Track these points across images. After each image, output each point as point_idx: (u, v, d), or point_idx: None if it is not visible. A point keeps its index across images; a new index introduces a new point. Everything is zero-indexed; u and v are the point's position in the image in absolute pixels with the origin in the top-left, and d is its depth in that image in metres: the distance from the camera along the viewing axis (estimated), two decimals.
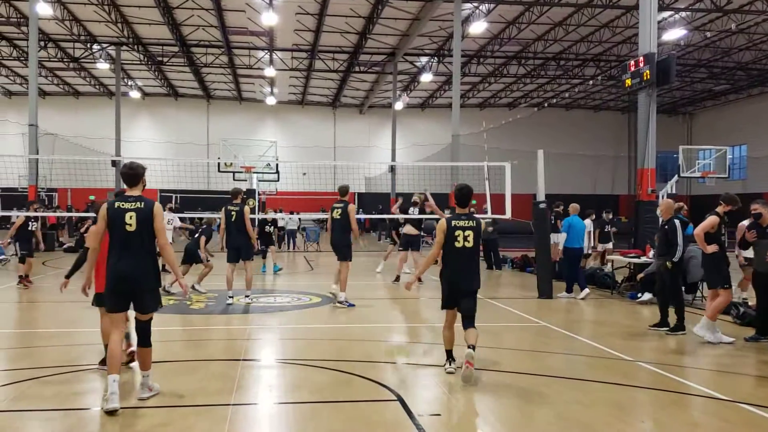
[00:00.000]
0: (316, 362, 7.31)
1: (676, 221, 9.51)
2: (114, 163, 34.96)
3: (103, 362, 6.56)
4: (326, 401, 5.91)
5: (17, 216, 15.48)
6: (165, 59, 35.29)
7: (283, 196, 32.92)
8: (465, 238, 6.65)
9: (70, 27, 30.15)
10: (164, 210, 15.50)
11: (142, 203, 5.66)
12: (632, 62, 15.73)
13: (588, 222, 16.59)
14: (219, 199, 37.69)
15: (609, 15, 27.99)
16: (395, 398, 5.97)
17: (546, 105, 44.66)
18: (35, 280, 14.61)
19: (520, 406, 5.92)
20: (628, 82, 15.93)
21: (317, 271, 18.36)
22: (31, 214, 15.13)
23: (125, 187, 5.98)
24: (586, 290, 12.86)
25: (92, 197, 28.44)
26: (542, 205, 13.28)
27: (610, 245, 16.78)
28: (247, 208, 11.74)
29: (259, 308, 11.37)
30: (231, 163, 29.23)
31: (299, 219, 27.89)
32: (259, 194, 27.94)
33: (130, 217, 5.58)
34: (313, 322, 10.27)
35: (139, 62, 35.94)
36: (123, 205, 5.64)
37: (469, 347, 6.42)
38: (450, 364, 6.83)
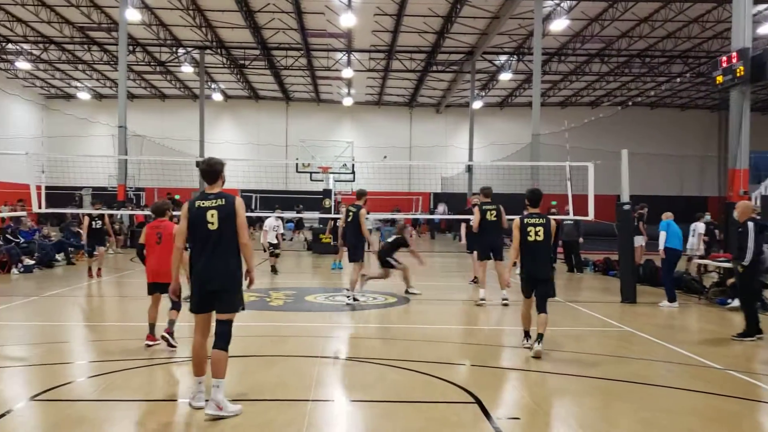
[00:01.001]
0: (393, 361, 7.28)
1: (750, 224, 9.10)
2: (198, 164, 36.20)
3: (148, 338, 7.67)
4: (403, 401, 5.87)
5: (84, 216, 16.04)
6: (247, 62, 36.20)
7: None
8: (536, 233, 7.78)
9: (157, 32, 31.36)
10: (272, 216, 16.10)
11: (223, 200, 5.47)
12: (724, 58, 14.99)
13: (701, 225, 15.96)
14: (295, 200, 38.47)
15: (699, 9, 26.81)
16: (473, 400, 5.87)
17: (630, 103, 43.23)
18: (124, 276, 15.26)
19: (602, 411, 5.71)
20: (720, 79, 15.19)
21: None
22: (94, 212, 15.80)
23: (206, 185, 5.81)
24: (675, 304, 12.16)
25: (177, 196, 29.45)
26: (626, 207, 12.82)
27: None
28: (363, 211, 11.90)
29: (335, 307, 11.47)
30: (308, 164, 29.73)
31: (372, 219, 28.03)
32: (335, 194, 28.29)
33: (212, 215, 5.40)
34: (388, 321, 10.27)
35: (221, 65, 37.01)
36: (204, 203, 5.47)
37: (539, 335, 7.50)
38: (527, 341, 7.90)
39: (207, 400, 5.34)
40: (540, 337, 7.46)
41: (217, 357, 5.35)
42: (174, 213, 8.38)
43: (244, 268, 5.57)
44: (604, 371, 7.09)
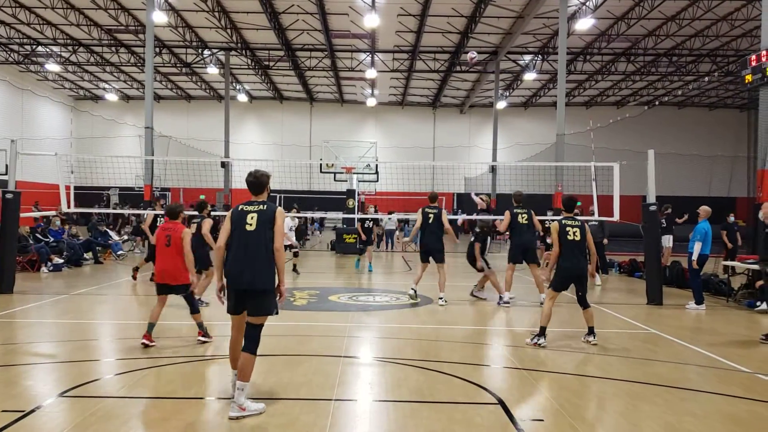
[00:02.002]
0: (416, 362, 7.29)
1: None
2: (223, 164, 36.55)
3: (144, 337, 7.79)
4: (426, 401, 5.87)
5: (146, 214, 15.41)
6: (271, 63, 36.43)
7: (382, 196, 33.24)
8: (574, 234, 8.60)
9: (183, 33, 31.69)
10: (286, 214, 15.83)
11: (265, 206, 5.74)
12: (754, 57, 14.77)
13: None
14: (318, 200, 38.67)
15: (727, 7, 26.44)
16: (496, 401, 5.86)
17: (657, 103, 42.73)
18: (150, 274, 15.43)
19: (627, 414, 5.66)
20: (749, 77, 14.97)
21: (415, 271, 18.34)
22: (159, 212, 14.75)
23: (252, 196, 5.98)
24: (699, 306, 11.99)
25: (202, 196, 29.73)
26: (653, 207, 12.68)
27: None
28: (444, 212, 12.12)
29: (359, 307, 11.51)
30: (332, 164, 29.86)
31: (397, 219, 28.04)
32: (358, 194, 28.36)
33: (251, 218, 5.65)
34: (411, 322, 10.27)
35: (246, 67, 37.29)
36: (246, 207, 5.75)
37: (590, 329, 8.53)
38: (542, 339, 8.33)
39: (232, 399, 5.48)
40: (592, 329, 8.49)
41: (244, 360, 5.46)
42: (189, 213, 8.56)
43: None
44: (630, 374, 7.03)
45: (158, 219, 14.31)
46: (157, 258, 8.14)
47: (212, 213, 11.93)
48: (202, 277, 10.82)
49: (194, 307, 8.10)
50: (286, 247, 14.63)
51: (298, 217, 17.23)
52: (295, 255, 16.77)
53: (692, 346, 8.50)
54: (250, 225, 5.63)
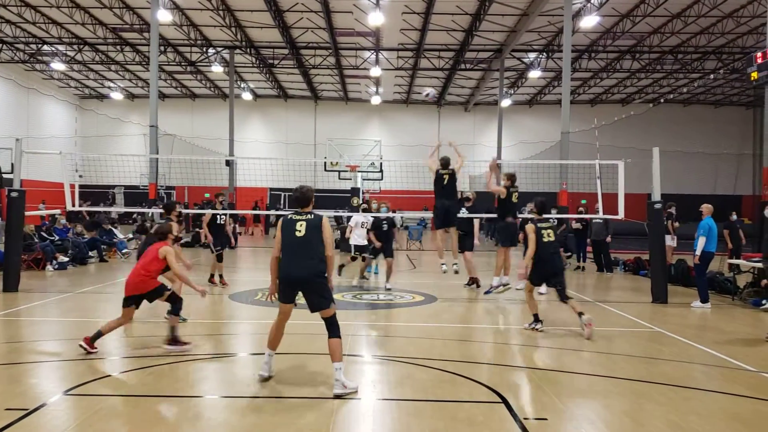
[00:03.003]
0: (419, 360, 7.29)
1: None
2: (228, 163, 36.58)
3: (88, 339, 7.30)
4: (429, 400, 5.87)
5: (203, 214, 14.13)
6: (276, 62, 36.44)
7: (387, 194, 33.20)
8: (548, 235, 9.22)
9: (188, 32, 31.73)
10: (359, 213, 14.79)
11: (312, 215, 6.33)
12: (759, 54, 14.73)
13: None
14: (323, 198, 38.61)
15: (733, 4, 26.33)
16: (500, 400, 5.85)
17: (662, 101, 42.62)
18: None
19: (631, 413, 5.64)
20: (755, 75, 14.93)
21: (420, 269, 18.37)
22: (219, 211, 13.47)
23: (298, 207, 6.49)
24: (705, 305, 11.98)
25: (207, 194, 29.81)
26: (657, 206, 12.64)
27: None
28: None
29: (363, 305, 11.51)
30: (336, 162, 29.89)
31: (401, 218, 28.04)
32: (363, 193, 28.36)
33: (300, 225, 6.23)
34: (415, 320, 10.26)
35: (251, 65, 37.30)
36: (295, 216, 6.33)
37: (579, 314, 8.73)
38: (538, 324, 9.15)
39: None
40: (582, 314, 8.77)
41: (333, 344, 6.12)
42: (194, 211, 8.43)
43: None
44: (634, 372, 7.01)
45: (218, 218, 13.24)
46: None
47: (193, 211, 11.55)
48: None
49: (176, 309, 7.77)
50: (359, 247, 14.10)
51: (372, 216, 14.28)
52: (353, 259, 14.78)
53: (697, 345, 8.48)
54: (299, 231, 6.22)
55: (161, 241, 7.85)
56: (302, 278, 6.12)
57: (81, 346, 7.25)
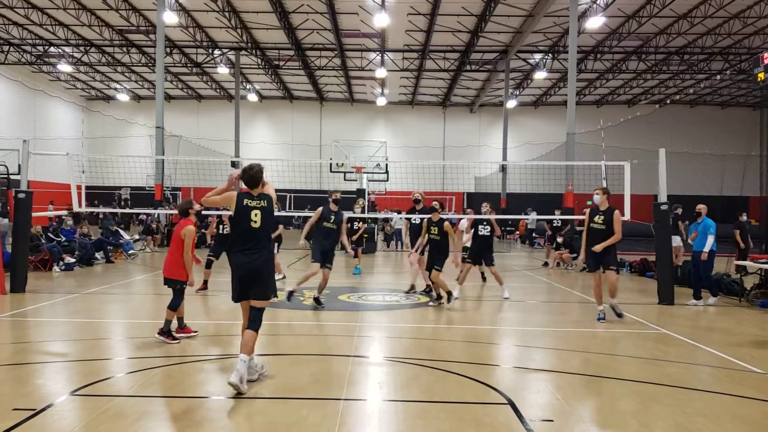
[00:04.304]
0: (425, 361, 7.28)
1: None
2: (233, 164, 36.62)
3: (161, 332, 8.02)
4: (436, 401, 5.86)
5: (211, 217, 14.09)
6: (281, 63, 36.51)
7: (393, 195, 33.23)
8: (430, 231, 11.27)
9: (194, 34, 31.82)
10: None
11: (265, 201, 6.20)
12: (766, 54, 14.62)
13: None
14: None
15: (740, 5, 26.28)
16: (506, 401, 5.84)
17: (668, 102, 42.52)
18: (161, 273, 15.46)
19: (637, 415, 5.62)
20: (761, 76, 14.79)
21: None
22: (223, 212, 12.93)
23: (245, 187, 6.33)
24: (716, 298, 12.23)
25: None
26: (664, 207, 12.62)
27: None
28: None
29: (368, 306, 11.51)
30: (342, 164, 29.90)
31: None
32: (368, 194, 28.35)
33: (256, 215, 6.11)
34: (421, 321, 10.25)
35: (256, 66, 37.40)
36: (250, 202, 6.16)
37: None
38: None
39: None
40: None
41: (248, 335, 6.08)
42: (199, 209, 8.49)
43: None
44: (640, 374, 6.99)
45: (221, 228, 13.05)
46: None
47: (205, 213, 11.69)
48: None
49: (174, 303, 8.18)
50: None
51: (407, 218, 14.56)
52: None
53: (704, 347, 8.45)
54: (255, 222, 6.12)
55: (184, 219, 8.28)
56: (253, 273, 6.10)
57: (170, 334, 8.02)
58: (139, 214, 34.86)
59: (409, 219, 14.28)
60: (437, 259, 11.27)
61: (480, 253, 12.81)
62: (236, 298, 6.28)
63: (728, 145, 44.68)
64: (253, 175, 6.22)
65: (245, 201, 6.16)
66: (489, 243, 12.85)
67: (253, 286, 6.12)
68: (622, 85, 40.92)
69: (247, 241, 6.13)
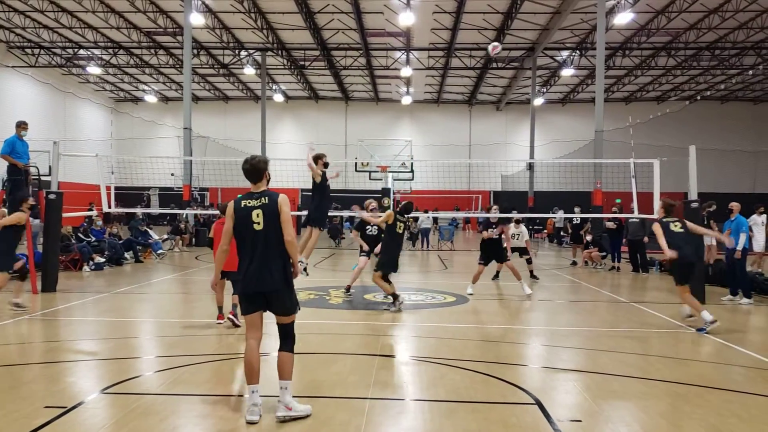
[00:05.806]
0: (452, 361, 7.24)
1: None
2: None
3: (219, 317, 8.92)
4: (462, 401, 5.82)
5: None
6: (307, 63, 36.66)
7: (418, 194, 33.17)
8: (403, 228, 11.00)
9: (220, 35, 32.10)
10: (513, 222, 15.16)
11: (267, 198, 5.31)
12: None
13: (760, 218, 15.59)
14: (354, 198, 38.68)
15: None
16: (533, 402, 5.78)
17: (699, 98, 41.87)
18: (189, 273, 15.60)
19: (667, 415, 5.53)
20: None
21: (451, 270, 18.29)
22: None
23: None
24: (750, 300, 12.01)
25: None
26: (694, 205, 12.41)
27: None
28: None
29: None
30: (367, 163, 29.93)
31: (432, 218, 27.91)
32: (394, 193, 28.34)
33: (257, 215, 5.25)
34: (447, 321, 10.21)
35: (282, 67, 37.59)
36: (249, 202, 5.32)
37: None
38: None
39: (259, 405, 5.23)
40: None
41: (284, 358, 5.30)
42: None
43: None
44: (670, 374, 6.87)
45: None
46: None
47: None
48: None
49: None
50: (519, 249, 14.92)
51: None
52: (529, 262, 15.34)
53: (735, 346, 8.28)
54: (258, 224, 5.24)
55: (223, 217, 8.21)
56: (264, 293, 5.24)
57: (229, 318, 8.80)
58: (167, 214, 35.23)
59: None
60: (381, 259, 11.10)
61: (490, 254, 12.75)
62: (245, 310, 5.37)
63: (761, 141, 43.88)
64: (254, 165, 5.39)
65: (243, 202, 5.32)
66: (497, 242, 12.77)
67: (270, 306, 5.33)
68: (651, 81, 40.36)
69: (252, 251, 5.24)
